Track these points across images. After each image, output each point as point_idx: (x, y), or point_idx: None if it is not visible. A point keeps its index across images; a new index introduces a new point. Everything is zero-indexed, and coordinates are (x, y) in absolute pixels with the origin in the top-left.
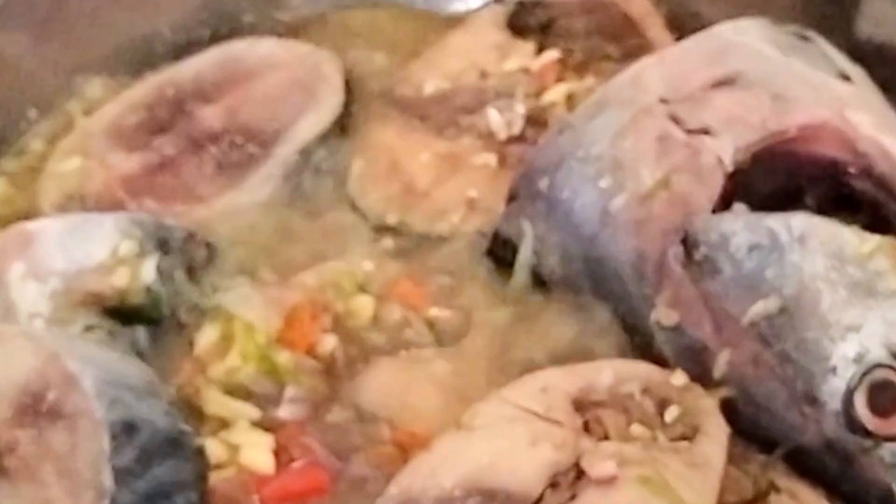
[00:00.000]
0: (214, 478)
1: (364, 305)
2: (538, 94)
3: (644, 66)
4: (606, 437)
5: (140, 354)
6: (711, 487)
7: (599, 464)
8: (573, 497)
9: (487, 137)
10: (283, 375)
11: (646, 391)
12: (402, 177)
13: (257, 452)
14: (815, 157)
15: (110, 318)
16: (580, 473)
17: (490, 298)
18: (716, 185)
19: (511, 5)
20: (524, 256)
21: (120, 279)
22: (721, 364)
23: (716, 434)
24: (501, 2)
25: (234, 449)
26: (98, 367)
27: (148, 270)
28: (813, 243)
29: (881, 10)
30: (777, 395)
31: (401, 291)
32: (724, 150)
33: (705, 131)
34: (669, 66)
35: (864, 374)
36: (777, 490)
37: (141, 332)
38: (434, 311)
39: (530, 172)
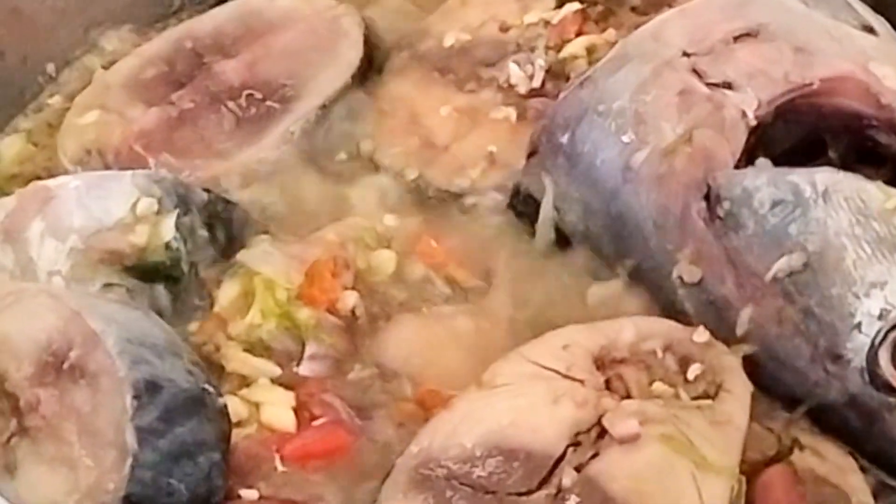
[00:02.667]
0: (235, 435)
1: (386, 261)
2: (559, 46)
3: (665, 19)
4: (628, 395)
5: (160, 312)
6: (735, 445)
7: (622, 422)
8: (595, 455)
9: (507, 91)
10: (304, 332)
11: (668, 348)
12: (422, 131)
13: (278, 410)
14: (838, 111)
15: (130, 276)
16: (602, 432)
17: (511, 254)
18: (739, 139)
19: None
20: (546, 212)
21: (139, 237)
22: (744, 320)
23: (739, 391)
24: None
25: (254, 407)
26: (120, 326)
27: (167, 228)
28: (837, 199)
29: None
30: (800, 351)
31: (422, 247)
32: (747, 104)
33: (728, 85)
34: (691, 18)
35: (889, 331)
36: (801, 447)
37: (161, 290)
38: (456, 268)
39: (551, 126)
